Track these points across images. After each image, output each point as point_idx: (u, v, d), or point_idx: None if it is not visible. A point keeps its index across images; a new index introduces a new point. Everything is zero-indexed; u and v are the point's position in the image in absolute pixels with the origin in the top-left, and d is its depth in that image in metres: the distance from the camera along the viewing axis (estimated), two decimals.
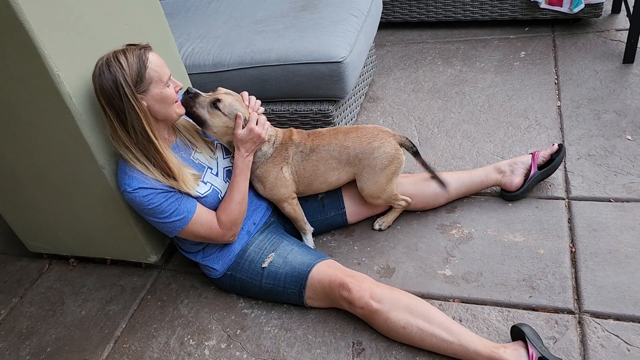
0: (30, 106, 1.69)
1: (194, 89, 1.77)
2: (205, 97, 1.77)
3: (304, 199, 2.07)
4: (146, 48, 1.60)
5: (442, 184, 2.01)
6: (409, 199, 2.04)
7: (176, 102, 1.69)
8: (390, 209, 2.11)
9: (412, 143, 1.94)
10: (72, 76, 1.61)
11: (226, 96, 1.77)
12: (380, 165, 1.89)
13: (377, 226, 2.11)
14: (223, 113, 1.75)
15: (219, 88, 1.82)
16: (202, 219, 1.76)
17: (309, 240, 2.05)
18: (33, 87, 1.62)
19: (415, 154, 1.96)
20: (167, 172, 1.66)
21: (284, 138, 1.91)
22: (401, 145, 1.92)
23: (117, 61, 1.53)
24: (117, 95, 1.54)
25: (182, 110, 1.71)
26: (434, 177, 2.00)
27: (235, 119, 1.76)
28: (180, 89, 1.70)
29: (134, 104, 1.56)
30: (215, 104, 1.75)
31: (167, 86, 1.63)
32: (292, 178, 1.92)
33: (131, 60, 1.54)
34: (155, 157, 1.64)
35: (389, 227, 2.11)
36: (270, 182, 1.90)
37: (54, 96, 1.61)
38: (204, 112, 1.75)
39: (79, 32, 1.64)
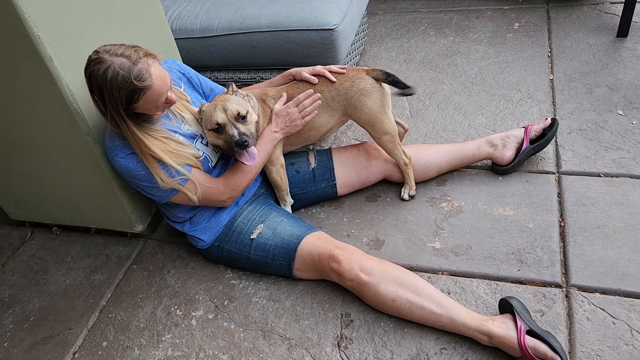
0: (10, 68, 1.61)
1: (240, 138, 1.64)
2: (235, 129, 1.67)
3: (295, 171, 2.04)
4: (145, 89, 1.48)
5: (407, 88, 1.93)
6: (409, 154, 2.01)
7: (166, 102, 1.61)
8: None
9: (386, 73, 1.88)
10: (54, 38, 1.54)
11: (230, 105, 1.68)
12: (359, 102, 1.87)
13: (406, 196, 2.07)
14: (251, 114, 1.73)
15: (215, 108, 1.70)
16: (198, 178, 1.72)
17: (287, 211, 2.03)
18: (13, 48, 1.54)
19: (394, 82, 1.90)
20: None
21: (259, 94, 1.88)
22: (376, 79, 1.88)
23: (108, 84, 1.44)
24: (100, 102, 1.52)
25: (169, 104, 1.64)
26: (404, 87, 1.92)
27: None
28: (174, 103, 1.64)
29: (118, 120, 1.54)
30: (241, 117, 1.69)
31: (158, 107, 1.59)
32: None
33: (122, 90, 1.46)
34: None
35: (415, 191, 2.08)
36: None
37: (34, 58, 1.54)
38: (252, 131, 1.72)
39: None
